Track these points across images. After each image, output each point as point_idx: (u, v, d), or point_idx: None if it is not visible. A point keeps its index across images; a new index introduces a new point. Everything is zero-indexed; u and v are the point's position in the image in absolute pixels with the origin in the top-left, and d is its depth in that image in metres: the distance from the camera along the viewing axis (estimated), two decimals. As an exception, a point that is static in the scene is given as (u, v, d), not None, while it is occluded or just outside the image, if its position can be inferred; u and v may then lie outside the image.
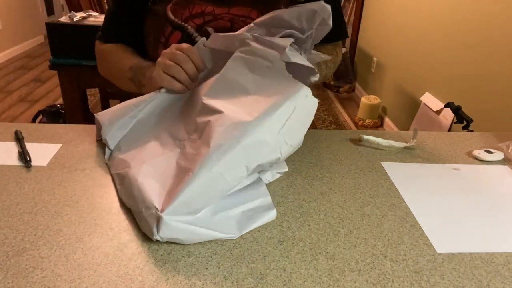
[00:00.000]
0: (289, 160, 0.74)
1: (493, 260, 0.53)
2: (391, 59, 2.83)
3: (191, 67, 0.68)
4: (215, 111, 0.60)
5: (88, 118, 1.86)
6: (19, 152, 0.72)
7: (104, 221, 0.57)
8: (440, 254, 0.54)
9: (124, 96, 0.85)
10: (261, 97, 0.60)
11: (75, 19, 1.71)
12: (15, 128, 0.80)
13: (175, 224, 0.51)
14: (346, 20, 3.68)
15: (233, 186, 0.57)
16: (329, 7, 0.64)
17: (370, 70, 3.21)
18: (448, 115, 2.02)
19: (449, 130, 2.00)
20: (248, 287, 0.47)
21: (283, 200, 0.64)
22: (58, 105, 2.34)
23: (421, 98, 2.29)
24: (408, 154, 0.80)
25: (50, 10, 5.11)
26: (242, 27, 0.72)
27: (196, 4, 0.81)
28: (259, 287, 0.47)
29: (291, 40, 0.65)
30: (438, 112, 2.12)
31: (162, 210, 0.52)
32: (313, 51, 0.71)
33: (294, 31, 0.67)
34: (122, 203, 0.60)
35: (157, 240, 0.52)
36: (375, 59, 3.12)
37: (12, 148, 0.74)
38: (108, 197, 0.62)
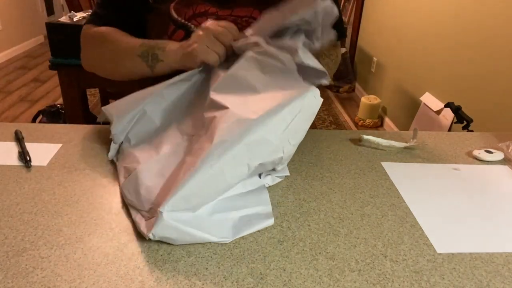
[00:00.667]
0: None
1: (493, 260, 0.53)
2: (391, 59, 2.83)
3: (229, 40, 0.69)
4: (221, 107, 0.60)
5: (88, 118, 1.86)
6: (19, 152, 0.72)
7: (104, 221, 0.57)
8: (440, 254, 0.54)
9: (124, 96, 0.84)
10: (268, 96, 0.60)
11: (75, 19, 1.71)
12: (15, 128, 0.80)
13: (170, 223, 0.51)
14: (346, 20, 3.68)
15: (232, 184, 0.57)
16: None
17: (370, 70, 3.21)
18: (448, 115, 2.02)
19: (449, 130, 2.00)
20: (248, 287, 0.47)
21: (283, 200, 0.64)
22: (58, 105, 2.34)
23: (421, 98, 2.29)
24: (408, 154, 0.80)
25: (50, 10, 5.11)
26: (245, 27, 0.72)
27: (199, 4, 0.81)
28: (259, 287, 0.47)
29: (302, 39, 0.65)
30: (438, 112, 2.12)
31: (160, 205, 0.52)
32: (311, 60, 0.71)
33: (300, 26, 0.66)
34: (123, 203, 0.60)
35: (149, 239, 0.52)
36: (375, 59, 3.12)
37: (12, 148, 0.74)
38: (108, 197, 0.62)
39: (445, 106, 1.94)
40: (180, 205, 0.53)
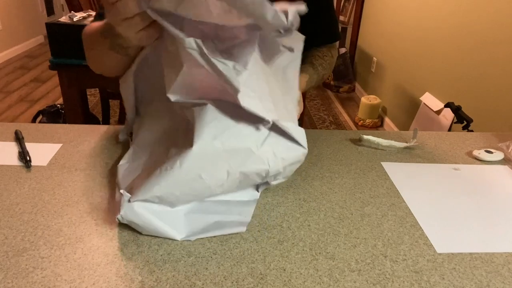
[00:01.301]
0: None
1: (493, 260, 0.53)
2: (391, 59, 2.83)
3: None
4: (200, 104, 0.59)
5: (88, 118, 1.86)
6: (19, 152, 0.72)
7: (104, 221, 0.57)
8: (440, 254, 0.54)
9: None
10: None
11: (75, 19, 1.71)
12: (15, 128, 0.80)
13: (136, 208, 0.53)
14: (346, 20, 3.68)
15: (214, 188, 0.57)
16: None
17: (370, 70, 3.21)
18: (448, 115, 2.02)
19: (449, 130, 2.00)
20: (248, 287, 0.47)
21: (283, 200, 0.64)
22: (58, 105, 2.34)
23: (421, 98, 2.29)
24: (408, 154, 0.80)
25: (50, 10, 5.11)
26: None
27: None
28: (259, 287, 0.47)
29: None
30: (438, 112, 2.12)
31: (133, 194, 0.54)
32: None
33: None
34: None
35: (118, 221, 0.53)
36: (375, 59, 3.12)
37: (12, 148, 0.74)
38: (108, 197, 0.62)
39: (445, 106, 1.94)
40: (150, 198, 0.54)
